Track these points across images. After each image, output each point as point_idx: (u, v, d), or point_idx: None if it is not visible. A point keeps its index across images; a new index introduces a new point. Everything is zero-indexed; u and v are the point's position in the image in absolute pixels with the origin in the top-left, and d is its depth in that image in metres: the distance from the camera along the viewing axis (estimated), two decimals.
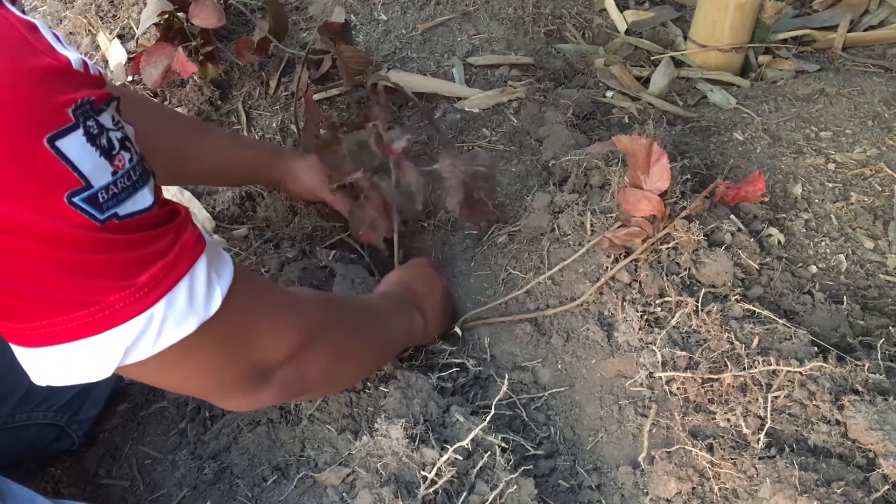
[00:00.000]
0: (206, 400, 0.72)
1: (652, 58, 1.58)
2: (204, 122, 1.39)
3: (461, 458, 0.79)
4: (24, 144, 0.45)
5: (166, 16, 1.36)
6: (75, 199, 0.48)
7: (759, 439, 0.81)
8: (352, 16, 1.63)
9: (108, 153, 0.49)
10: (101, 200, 0.49)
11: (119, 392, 1.04)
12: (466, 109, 1.41)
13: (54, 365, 0.53)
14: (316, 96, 1.40)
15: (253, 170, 1.17)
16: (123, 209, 0.50)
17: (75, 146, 0.47)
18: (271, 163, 1.17)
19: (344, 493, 0.79)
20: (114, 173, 0.50)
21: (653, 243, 0.97)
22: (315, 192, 1.17)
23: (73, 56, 0.49)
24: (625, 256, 0.98)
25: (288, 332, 0.68)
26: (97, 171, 0.48)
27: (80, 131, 0.47)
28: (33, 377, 0.56)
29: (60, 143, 0.46)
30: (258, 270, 1.14)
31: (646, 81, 1.53)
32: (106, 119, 0.50)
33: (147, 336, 0.54)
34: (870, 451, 0.80)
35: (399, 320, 0.91)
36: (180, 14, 1.36)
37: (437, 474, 0.76)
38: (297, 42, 1.57)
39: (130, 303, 0.52)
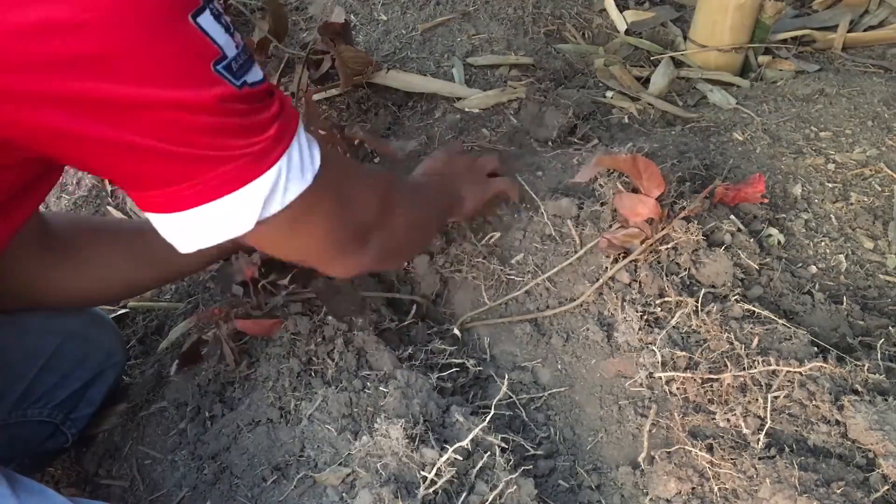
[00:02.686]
0: (319, 266, 0.78)
1: (652, 58, 1.58)
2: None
3: (461, 459, 0.79)
4: (174, 23, 0.52)
5: None
6: (219, 67, 0.54)
7: (758, 439, 0.81)
8: (352, 16, 1.63)
9: (229, 30, 0.56)
10: (234, 69, 0.56)
11: (119, 392, 1.04)
12: (466, 109, 1.41)
13: (201, 224, 0.60)
14: (316, 96, 1.40)
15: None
16: (250, 77, 0.57)
17: (210, 22, 0.54)
18: None
19: (344, 493, 0.79)
20: (237, 47, 0.56)
21: (651, 244, 0.97)
22: None
23: None
24: (624, 257, 0.98)
25: (374, 195, 0.77)
26: (227, 43, 0.55)
27: (209, 11, 0.54)
28: (180, 245, 0.63)
29: (200, 20, 0.53)
30: None
31: (646, 82, 1.53)
32: (217, 4, 0.56)
33: (278, 187, 0.61)
34: (870, 451, 0.80)
35: (440, 193, 1.00)
36: None
37: (436, 474, 0.76)
38: (297, 42, 1.57)
39: (264, 156, 0.59)
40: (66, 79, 0.50)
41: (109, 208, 1.30)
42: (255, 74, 0.59)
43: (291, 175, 0.62)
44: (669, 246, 0.98)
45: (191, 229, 0.61)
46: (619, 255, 0.98)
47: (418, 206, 0.92)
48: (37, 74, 0.50)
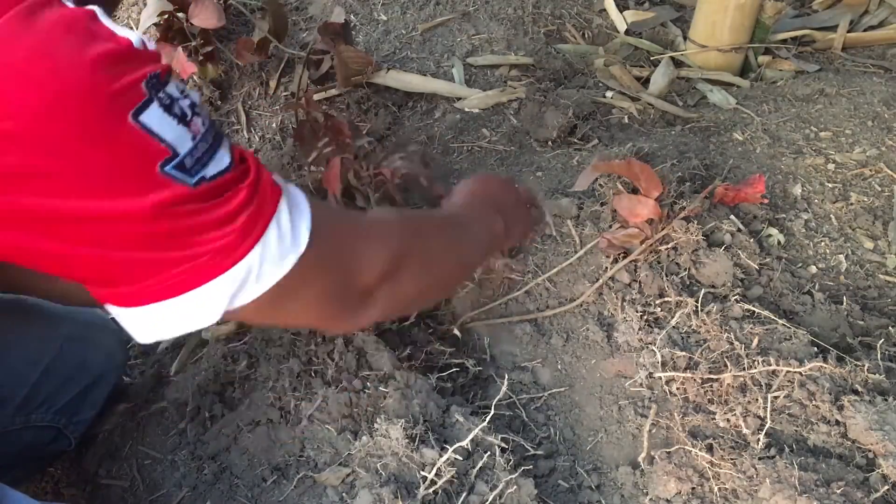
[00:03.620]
0: (319, 328, 0.77)
1: (652, 58, 1.58)
2: None
3: (461, 459, 0.79)
4: (110, 127, 0.48)
5: (166, 16, 1.37)
6: (167, 169, 0.50)
7: (758, 439, 0.81)
8: (352, 16, 1.63)
9: (184, 120, 0.52)
10: (188, 166, 0.51)
11: (119, 392, 1.04)
12: (466, 109, 1.41)
13: (161, 319, 0.57)
14: (316, 96, 1.40)
15: None
16: (209, 171, 0.53)
17: (156, 117, 0.50)
18: None
19: (344, 493, 0.79)
20: (193, 138, 0.52)
21: (651, 244, 0.97)
22: None
23: (133, 36, 0.51)
24: (624, 257, 0.98)
25: (379, 251, 0.70)
26: (179, 138, 0.51)
27: (156, 103, 0.50)
28: (138, 336, 0.59)
29: (143, 118, 0.49)
30: None
31: (645, 82, 1.53)
32: (173, 89, 0.52)
33: (249, 280, 0.57)
34: (869, 451, 0.80)
35: (480, 226, 0.90)
36: (180, 14, 1.36)
37: (436, 474, 0.76)
38: (297, 42, 1.57)
39: (229, 253, 0.55)
40: (2, 193, 0.48)
41: None
42: (218, 163, 0.54)
43: (266, 265, 0.57)
44: (669, 246, 0.98)
45: (149, 323, 0.57)
46: (619, 255, 0.98)
47: (449, 244, 0.84)
48: None
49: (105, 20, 0.51)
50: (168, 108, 0.51)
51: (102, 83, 0.48)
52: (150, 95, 0.50)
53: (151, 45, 0.53)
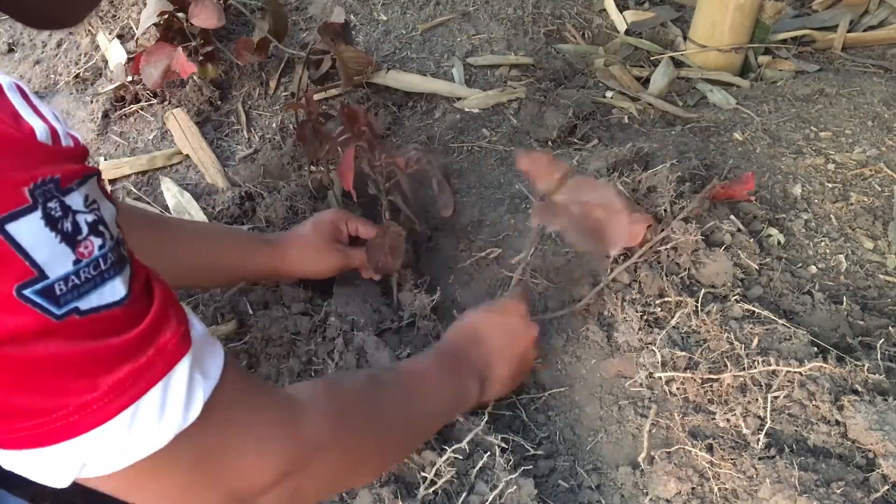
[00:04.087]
0: None
1: (652, 58, 1.59)
2: (177, 219, 1.21)
3: (461, 459, 0.79)
4: None
5: (166, 16, 1.37)
6: (25, 292, 0.41)
7: (758, 439, 0.81)
8: (352, 16, 1.63)
9: (71, 239, 0.43)
10: (58, 293, 0.42)
11: None
12: (466, 109, 1.41)
13: (8, 463, 0.47)
14: (316, 96, 1.40)
15: (238, 267, 1.00)
16: (86, 303, 0.44)
17: (29, 231, 0.41)
18: (261, 257, 1.00)
19: (344, 493, 0.79)
20: (76, 262, 0.43)
21: (651, 246, 0.97)
22: (322, 269, 1.02)
23: (40, 126, 0.43)
24: (624, 259, 0.98)
25: (277, 451, 0.57)
26: (55, 259, 0.42)
27: (38, 213, 0.41)
28: None
29: (10, 227, 0.40)
30: None
31: (645, 82, 1.53)
32: (74, 200, 0.43)
33: (107, 449, 0.47)
34: (869, 451, 0.80)
35: (444, 390, 0.79)
36: (180, 14, 1.36)
37: (436, 474, 0.76)
38: (297, 42, 1.57)
39: (88, 413, 0.45)
40: None
41: None
42: (106, 296, 0.45)
43: (134, 434, 0.47)
44: (669, 246, 0.98)
45: None
46: (619, 256, 0.98)
47: (389, 422, 0.71)
48: None
49: (14, 97, 0.44)
50: (54, 221, 0.42)
51: None
52: (33, 203, 0.41)
53: (68, 140, 0.45)
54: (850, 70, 1.55)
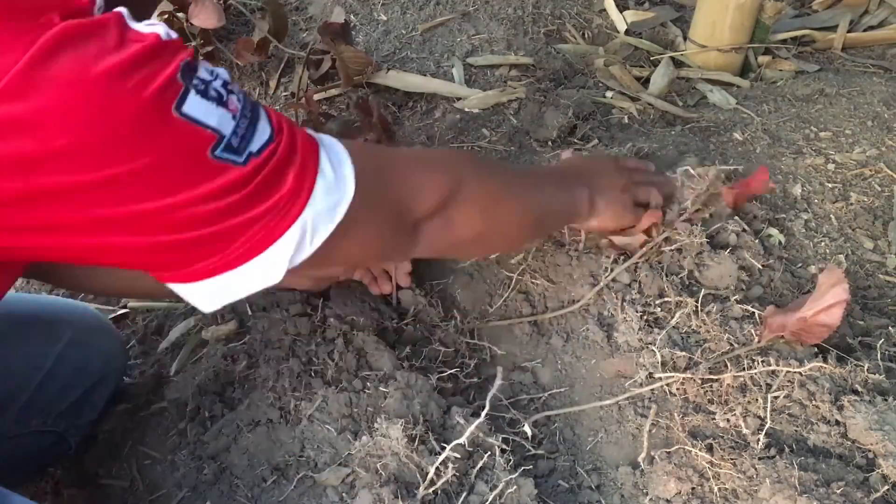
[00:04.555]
0: (373, 262, 0.78)
1: (652, 58, 1.58)
2: None
3: (461, 459, 0.79)
4: (158, 126, 0.49)
5: (166, 16, 1.37)
6: (217, 153, 0.51)
7: (758, 439, 0.81)
8: (352, 16, 1.63)
9: (221, 101, 0.52)
10: (235, 146, 0.53)
11: (119, 392, 1.04)
12: (466, 110, 1.41)
13: (227, 288, 0.58)
14: (316, 96, 1.40)
15: None
16: (254, 145, 0.54)
17: (197, 105, 0.51)
18: None
19: (343, 494, 0.79)
20: (234, 117, 0.53)
21: (652, 247, 0.97)
22: (321, 282, 1.02)
23: (159, 29, 0.51)
24: (625, 259, 0.98)
25: (430, 180, 0.71)
26: (223, 119, 0.52)
27: (193, 91, 0.51)
28: (203, 306, 0.61)
29: (185, 108, 0.50)
30: None
31: (645, 82, 1.53)
32: (204, 73, 0.52)
33: (305, 237, 0.58)
34: (869, 451, 0.80)
35: (560, 189, 0.88)
36: (180, 14, 1.36)
37: (436, 474, 0.76)
38: (297, 42, 1.57)
39: (284, 214, 0.56)
40: (62, 209, 0.50)
41: None
42: (261, 135, 0.55)
43: (319, 221, 0.59)
44: (673, 248, 0.97)
45: (214, 293, 0.59)
46: (620, 256, 0.98)
47: (515, 193, 0.82)
48: (34, 210, 0.50)
49: (130, 21, 0.51)
50: (204, 93, 0.52)
51: (140, 85, 0.48)
52: (186, 85, 0.50)
53: (173, 34, 0.53)
54: (850, 70, 1.55)
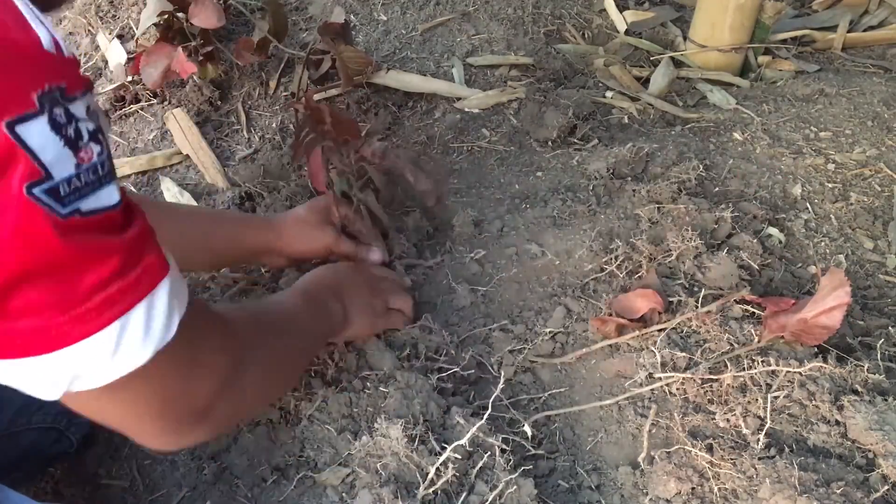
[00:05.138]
0: (132, 437, 0.61)
1: (652, 58, 1.59)
2: (167, 202, 1.27)
3: (461, 459, 0.79)
4: None
5: (166, 16, 1.37)
6: (35, 191, 0.43)
7: (758, 439, 0.81)
8: (352, 16, 1.63)
9: (73, 144, 0.45)
10: (62, 193, 0.45)
11: None
12: (466, 110, 1.41)
13: (3, 374, 0.50)
14: (316, 96, 1.40)
15: (232, 245, 1.03)
16: (87, 204, 0.46)
17: (37, 133, 0.43)
18: (257, 233, 1.03)
19: (343, 494, 0.79)
20: (78, 165, 0.45)
21: (659, 329, 0.92)
22: (315, 247, 1.05)
23: (45, 34, 0.44)
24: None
25: (222, 359, 0.64)
26: (60, 161, 0.44)
27: (45, 118, 0.43)
28: None
29: (20, 129, 0.42)
30: (258, 270, 1.14)
31: (645, 82, 1.53)
32: (78, 108, 0.46)
33: (97, 361, 0.49)
34: (869, 451, 0.80)
35: (316, 314, 0.87)
36: (180, 14, 1.36)
37: (436, 474, 0.76)
38: (297, 42, 1.57)
39: (82, 322, 0.47)
40: None
41: None
42: (103, 199, 0.47)
43: (122, 347, 0.50)
44: (673, 257, 0.98)
45: None
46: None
47: (287, 340, 0.79)
48: None
49: (23, 5, 0.45)
50: (59, 126, 0.44)
51: None
52: (40, 108, 0.43)
53: (69, 52, 0.47)
54: (850, 70, 1.55)
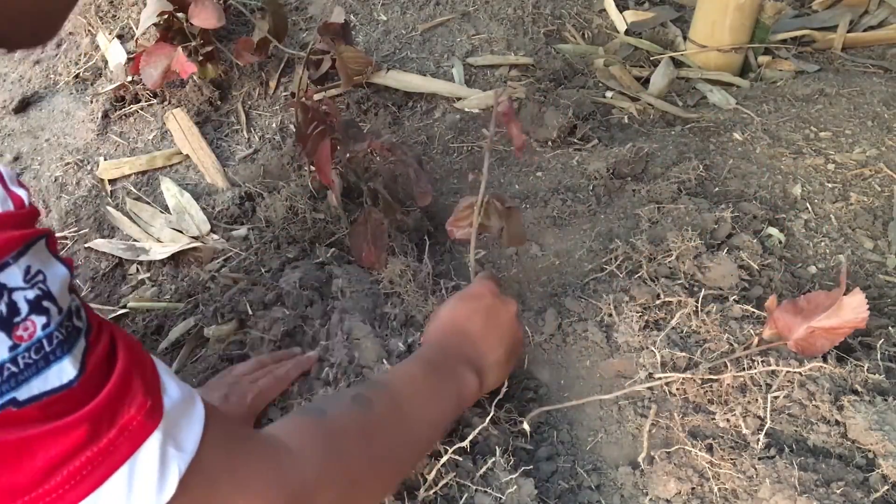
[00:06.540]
0: None
1: (652, 58, 1.59)
2: None
3: (461, 459, 0.78)
4: None
5: (166, 16, 1.36)
6: None
7: (758, 440, 0.81)
8: (352, 16, 1.63)
9: (6, 323, 0.37)
10: None
11: None
12: (466, 109, 1.41)
13: None
14: (316, 96, 1.40)
15: None
16: (26, 392, 0.38)
17: None
18: None
19: None
20: (13, 348, 0.38)
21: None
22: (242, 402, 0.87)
23: None
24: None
25: (271, 494, 0.52)
26: None
27: None
28: None
29: None
30: (258, 270, 1.13)
31: (645, 82, 1.53)
32: (11, 275, 0.38)
33: None
34: (869, 451, 0.80)
35: (439, 392, 0.73)
36: (180, 14, 1.36)
37: (436, 475, 0.76)
38: (296, 42, 1.57)
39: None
40: None
41: (109, 209, 1.30)
42: (51, 380, 0.39)
43: None
44: (673, 257, 0.98)
45: None
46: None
47: (388, 441, 0.66)
48: None
49: None
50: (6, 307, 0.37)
51: None
52: None
53: (9, 200, 0.39)
54: (850, 70, 1.55)
